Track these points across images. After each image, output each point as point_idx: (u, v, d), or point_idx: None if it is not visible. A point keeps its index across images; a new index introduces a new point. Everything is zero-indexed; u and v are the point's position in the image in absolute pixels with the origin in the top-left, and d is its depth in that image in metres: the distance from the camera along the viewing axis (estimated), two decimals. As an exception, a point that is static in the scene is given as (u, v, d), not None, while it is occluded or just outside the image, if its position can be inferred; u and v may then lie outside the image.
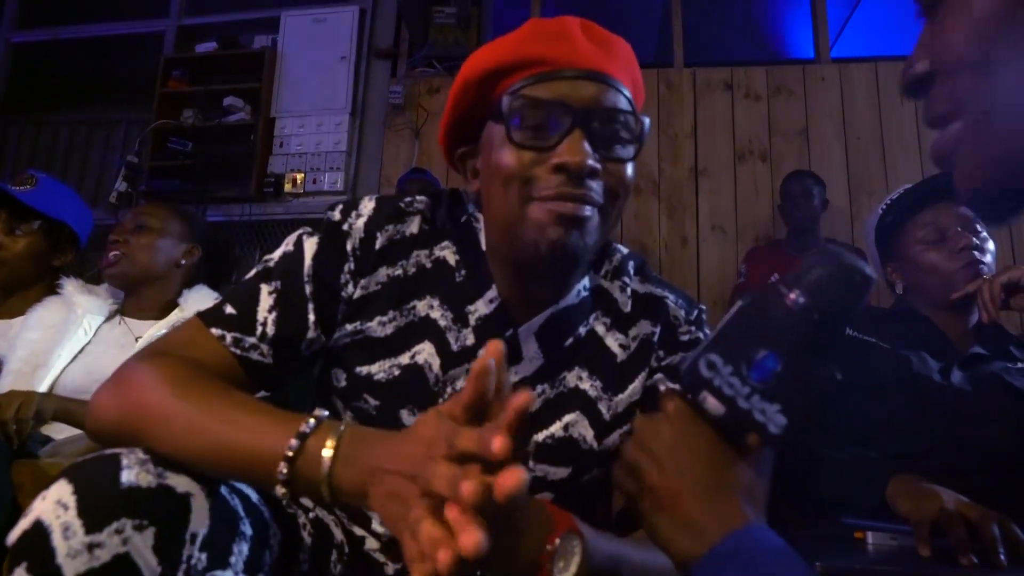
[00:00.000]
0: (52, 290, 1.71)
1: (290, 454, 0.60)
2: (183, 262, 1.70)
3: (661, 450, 0.56)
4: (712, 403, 0.54)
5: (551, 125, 0.74)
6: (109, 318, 1.66)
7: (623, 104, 0.77)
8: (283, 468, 0.60)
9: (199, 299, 1.63)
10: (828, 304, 0.52)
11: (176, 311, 1.63)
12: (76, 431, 1.37)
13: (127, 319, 1.65)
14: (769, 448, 0.56)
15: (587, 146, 0.72)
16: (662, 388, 0.61)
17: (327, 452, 0.59)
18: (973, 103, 0.45)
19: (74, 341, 1.55)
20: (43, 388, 1.47)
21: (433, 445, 0.53)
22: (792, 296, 0.53)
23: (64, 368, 1.53)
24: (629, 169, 0.77)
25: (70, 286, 1.64)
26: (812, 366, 0.52)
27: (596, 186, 0.74)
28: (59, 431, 1.45)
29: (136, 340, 1.58)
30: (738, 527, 0.51)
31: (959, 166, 0.48)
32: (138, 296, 1.67)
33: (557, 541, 0.62)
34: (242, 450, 0.63)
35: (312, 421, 0.61)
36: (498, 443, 0.48)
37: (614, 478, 0.61)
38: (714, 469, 0.55)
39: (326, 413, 0.63)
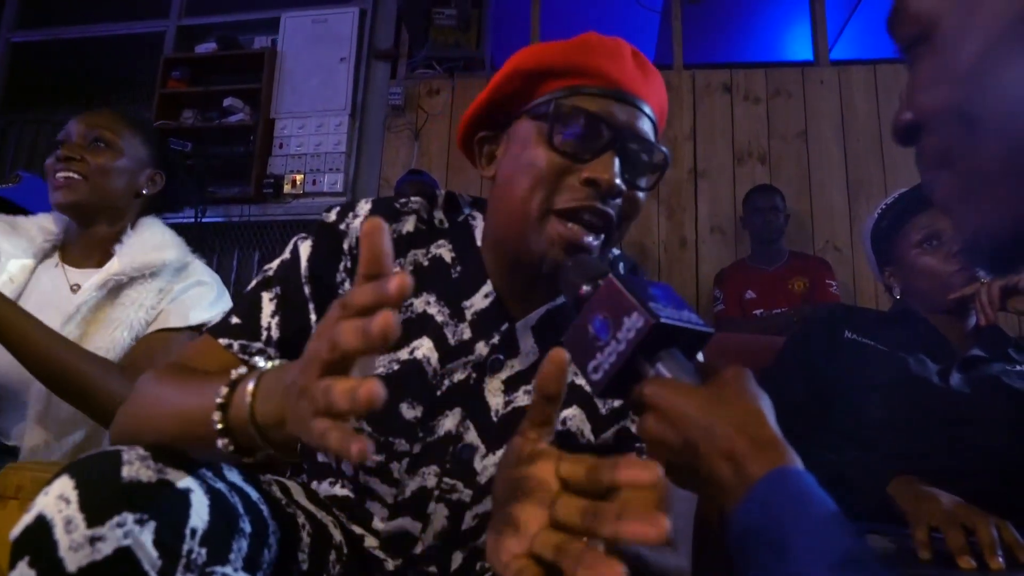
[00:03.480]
0: None
1: (220, 401, 0.60)
2: (144, 191, 1.43)
3: (687, 406, 0.55)
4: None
5: (590, 138, 0.76)
6: (45, 258, 1.40)
7: (653, 135, 0.81)
8: (216, 416, 0.59)
9: (147, 242, 1.37)
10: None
11: (113, 260, 1.34)
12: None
13: (66, 265, 1.39)
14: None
15: (618, 166, 0.75)
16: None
17: (249, 389, 0.58)
18: (960, 157, 0.45)
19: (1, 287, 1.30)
20: None
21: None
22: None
23: None
24: (643, 196, 0.81)
25: None
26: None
27: (616, 206, 0.77)
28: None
29: (72, 289, 1.34)
30: (786, 463, 0.51)
31: (957, 222, 0.47)
32: (85, 232, 1.40)
33: None
34: (189, 410, 0.64)
35: (243, 368, 0.62)
36: (395, 282, 0.46)
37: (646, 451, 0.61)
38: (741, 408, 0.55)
39: (263, 363, 0.63)
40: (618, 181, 0.75)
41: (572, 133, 0.76)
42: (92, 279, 1.31)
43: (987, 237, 0.45)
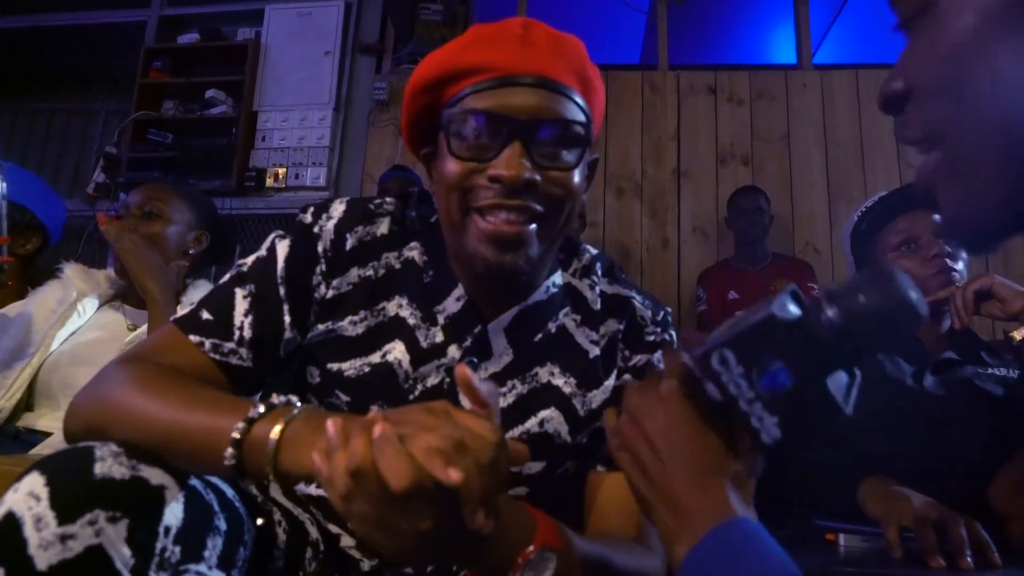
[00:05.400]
0: (26, 276, 1.70)
1: (236, 436, 0.61)
2: (191, 251, 1.67)
3: (655, 429, 0.56)
4: (712, 389, 0.53)
5: (489, 137, 0.74)
6: (108, 302, 1.64)
7: (567, 110, 0.76)
8: (229, 452, 0.61)
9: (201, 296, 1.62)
10: (863, 332, 0.48)
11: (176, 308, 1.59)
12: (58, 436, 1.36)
13: (126, 306, 1.62)
14: (759, 452, 0.56)
15: (524, 160, 0.73)
16: (668, 356, 0.59)
17: (273, 436, 0.60)
18: (949, 132, 0.45)
19: (69, 321, 1.54)
20: (34, 362, 1.47)
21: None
22: (829, 314, 0.48)
23: (56, 348, 1.51)
24: (575, 175, 0.77)
25: (69, 270, 1.61)
26: (822, 394, 0.49)
27: (535, 197, 0.75)
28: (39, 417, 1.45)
29: (129, 328, 1.55)
30: (727, 518, 0.51)
31: (941, 197, 0.47)
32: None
33: (531, 555, 0.62)
34: (192, 434, 0.64)
35: (261, 407, 0.62)
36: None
37: (609, 449, 0.61)
38: (706, 454, 0.55)
39: (283, 398, 0.64)
40: (525, 175, 0.72)
41: (466, 138, 0.75)
42: None
43: (969, 215, 0.45)
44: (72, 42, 4.22)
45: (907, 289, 0.47)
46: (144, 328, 1.52)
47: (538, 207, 0.75)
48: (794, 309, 0.51)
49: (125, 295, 1.65)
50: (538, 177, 0.74)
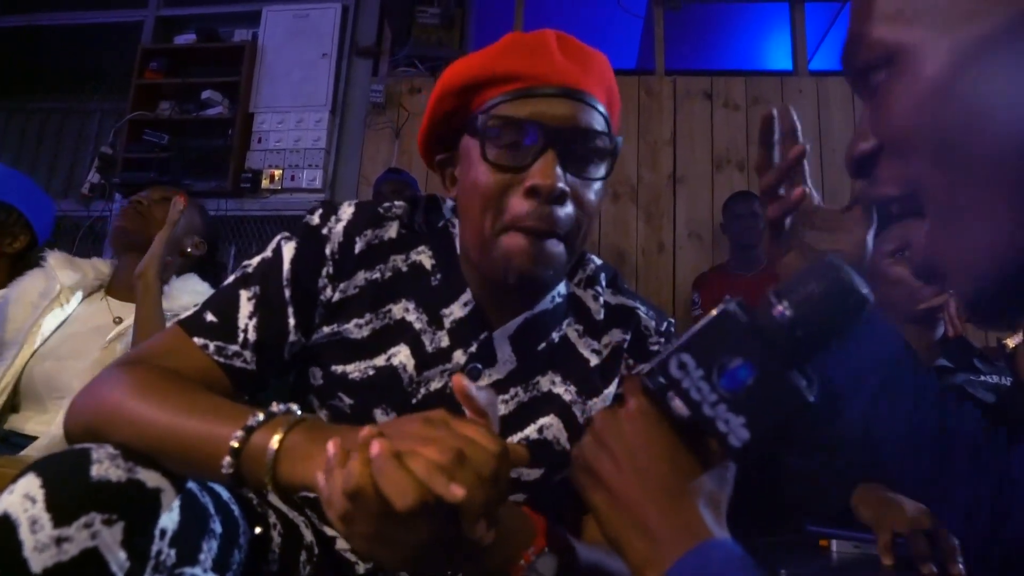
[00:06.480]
0: (14, 274, 1.71)
1: (235, 445, 0.60)
2: (188, 250, 1.71)
3: (620, 448, 0.54)
4: (677, 404, 0.52)
5: (524, 144, 0.74)
6: (92, 293, 1.64)
7: (597, 123, 0.77)
8: (227, 460, 0.60)
9: (186, 288, 1.62)
10: (815, 322, 0.49)
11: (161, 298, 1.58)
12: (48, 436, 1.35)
13: (110, 298, 1.62)
14: (730, 458, 0.55)
15: (559, 169, 0.73)
16: (628, 381, 0.58)
17: (272, 446, 0.59)
18: (928, 182, 0.41)
19: (52, 314, 1.53)
20: (19, 361, 1.47)
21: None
22: (779, 308, 0.50)
23: (43, 341, 1.51)
24: (598, 187, 0.79)
25: (52, 259, 1.62)
26: (785, 384, 0.49)
27: (565, 208, 0.75)
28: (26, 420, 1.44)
29: (114, 321, 1.55)
30: (700, 539, 0.49)
31: (950, 271, 0.43)
32: (129, 269, 1.60)
33: (532, 558, 0.62)
34: (190, 441, 0.63)
35: (260, 415, 0.62)
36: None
37: (569, 472, 0.59)
38: (675, 472, 0.53)
39: (283, 407, 0.64)
40: (560, 184, 0.72)
41: (504, 144, 0.74)
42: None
43: (989, 286, 0.41)
44: (68, 42, 4.21)
45: (852, 276, 0.49)
46: (130, 320, 1.52)
47: (568, 217, 0.76)
48: (744, 313, 0.51)
49: (109, 287, 1.65)
50: (568, 189, 0.74)
